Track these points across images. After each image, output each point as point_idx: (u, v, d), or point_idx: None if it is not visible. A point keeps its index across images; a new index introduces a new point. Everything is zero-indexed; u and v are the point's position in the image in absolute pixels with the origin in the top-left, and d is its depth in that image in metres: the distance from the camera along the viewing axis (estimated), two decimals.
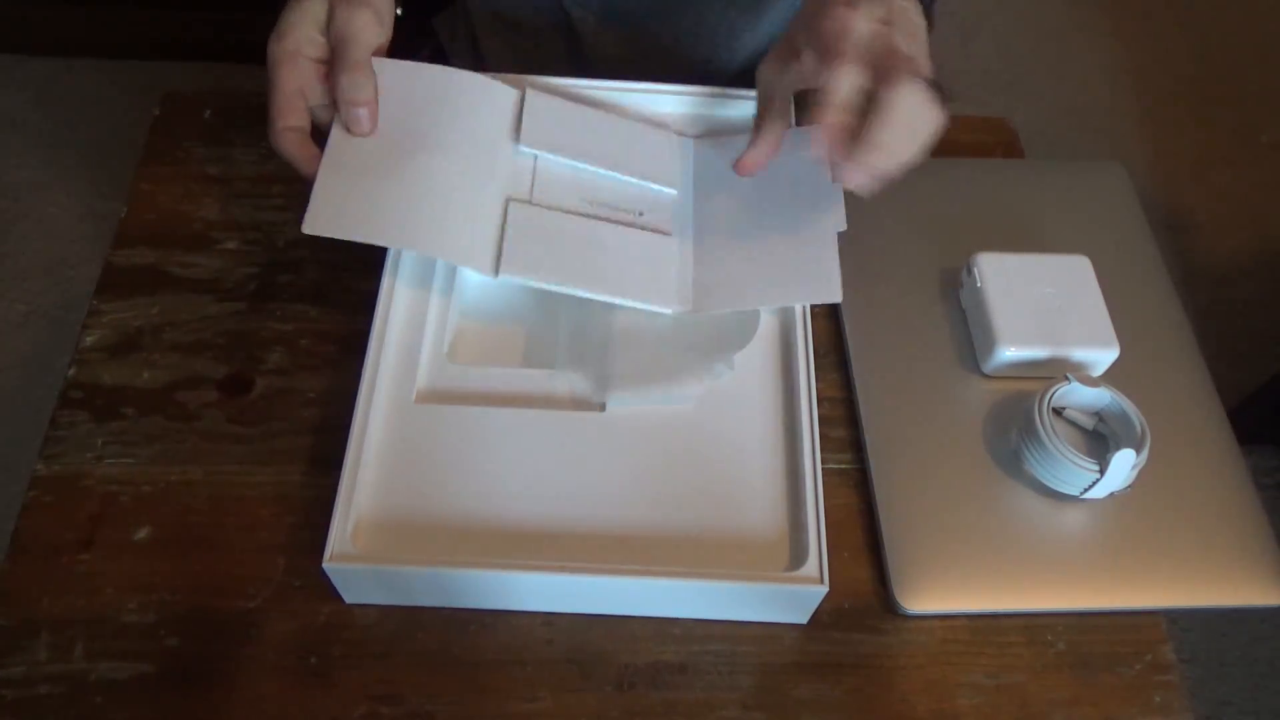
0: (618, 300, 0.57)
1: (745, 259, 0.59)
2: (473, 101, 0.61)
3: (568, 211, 0.59)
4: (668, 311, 0.57)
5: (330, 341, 0.62)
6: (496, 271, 0.56)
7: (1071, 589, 0.54)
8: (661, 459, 0.54)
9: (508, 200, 0.59)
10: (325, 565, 0.49)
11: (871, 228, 0.67)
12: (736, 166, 0.60)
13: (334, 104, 0.57)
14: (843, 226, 0.58)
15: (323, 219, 0.54)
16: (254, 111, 0.72)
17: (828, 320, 0.65)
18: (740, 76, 0.79)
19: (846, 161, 0.49)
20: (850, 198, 0.56)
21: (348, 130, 0.57)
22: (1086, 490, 0.55)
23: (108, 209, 1.56)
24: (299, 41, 0.56)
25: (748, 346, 0.58)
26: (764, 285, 0.58)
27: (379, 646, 0.52)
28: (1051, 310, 0.60)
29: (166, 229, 0.66)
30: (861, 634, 0.54)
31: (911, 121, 0.49)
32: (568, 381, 0.56)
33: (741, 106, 0.66)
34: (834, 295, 0.56)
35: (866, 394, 0.60)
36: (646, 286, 0.58)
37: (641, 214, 0.60)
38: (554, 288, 0.56)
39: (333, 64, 0.56)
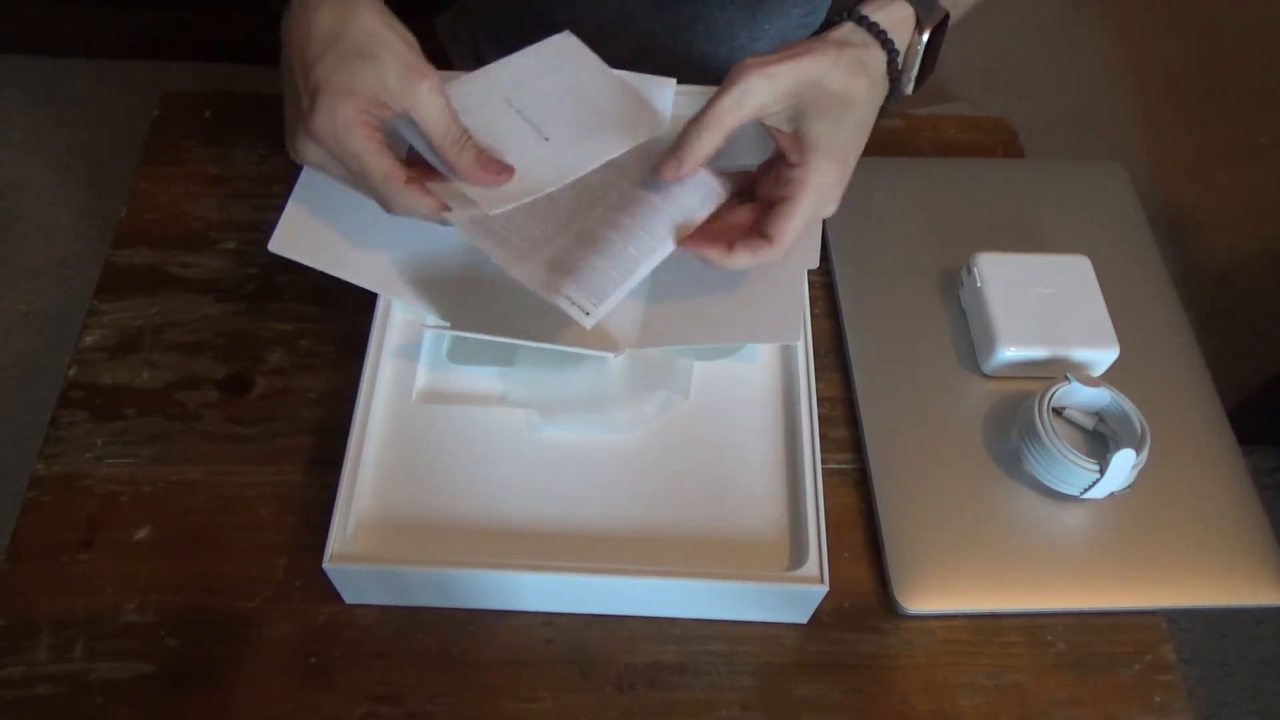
0: (559, 347, 0.55)
1: (705, 290, 0.56)
2: None
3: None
4: (610, 355, 0.55)
5: (330, 341, 0.62)
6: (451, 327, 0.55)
7: (1071, 589, 0.54)
8: (661, 459, 0.54)
9: (464, 267, 0.58)
10: (325, 565, 0.49)
11: (872, 228, 0.67)
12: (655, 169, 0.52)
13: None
14: (814, 264, 0.56)
15: (289, 241, 0.54)
16: (254, 111, 0.72)
17: (828, 320, 0.65)
18: None
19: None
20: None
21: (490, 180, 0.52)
22: (1086, 490, 0.55)
23: (108, 209, 1.56)
24: (367, 103, 0.49)
25: (747, 347, 0.58)
26: (719, 320, 0.55)
27: (379, 646, 0.52)
28: (1051, 310, 0.60)
29: (166, 229, 0.66)
30: (861, 634, 0.54)
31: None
32: (514, 404, 0.55)
33: None
34: (793, 336, 0.54)
35: (866, 394, 0.60)
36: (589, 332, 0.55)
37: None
38: (498, 339, 0.54)
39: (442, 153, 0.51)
